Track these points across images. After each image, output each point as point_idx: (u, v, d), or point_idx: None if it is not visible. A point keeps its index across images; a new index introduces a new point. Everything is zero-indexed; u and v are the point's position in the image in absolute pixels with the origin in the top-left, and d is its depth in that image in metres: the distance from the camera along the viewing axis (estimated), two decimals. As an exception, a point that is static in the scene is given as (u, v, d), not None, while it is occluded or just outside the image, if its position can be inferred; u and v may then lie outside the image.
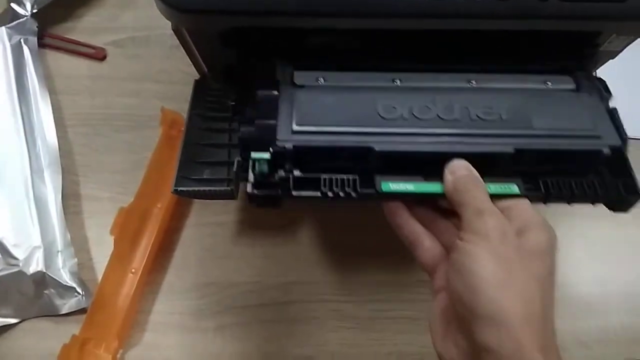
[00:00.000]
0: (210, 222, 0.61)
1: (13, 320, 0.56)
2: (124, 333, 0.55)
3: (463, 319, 0.31)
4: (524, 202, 0.35)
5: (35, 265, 0.55)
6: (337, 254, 0.60)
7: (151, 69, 0.67)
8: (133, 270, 0.57)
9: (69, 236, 0.58)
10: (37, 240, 0.56)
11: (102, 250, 0.58)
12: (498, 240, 0.31)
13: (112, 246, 0.58)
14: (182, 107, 0.63)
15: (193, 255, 0.60)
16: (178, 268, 0.59)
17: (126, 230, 0.58)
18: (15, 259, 0.55)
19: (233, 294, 0.58)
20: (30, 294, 0.55)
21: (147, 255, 0.57)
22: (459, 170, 0.35)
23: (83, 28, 0.70)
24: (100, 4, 0.72)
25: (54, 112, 0.63)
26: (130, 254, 0.57)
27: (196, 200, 0.62)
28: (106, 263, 0.57)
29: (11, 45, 0.64)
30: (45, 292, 0.55)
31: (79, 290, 0.56)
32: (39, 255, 0.55)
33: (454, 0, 0.38)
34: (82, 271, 0.57)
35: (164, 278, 0.59)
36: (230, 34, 0.43)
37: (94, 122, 0.65)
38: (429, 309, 0.56)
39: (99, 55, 0.67)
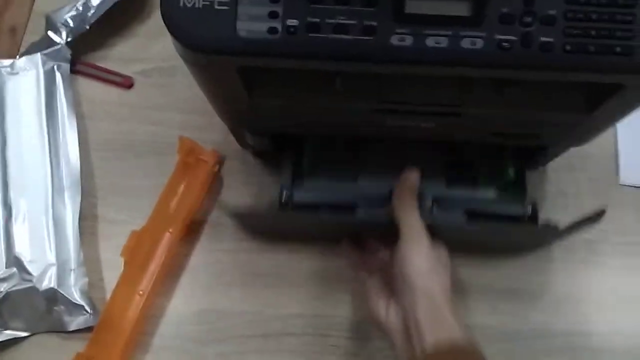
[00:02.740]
0: (219, 249, 0.62)
1: (23, 334, 0.58)
2: (126, 354, 0.57)
3: (402, 293, 0.46)
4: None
5: (48, 282, 0.57)
6: (341, 288, 0.60)
7: (175, 98, 0.70)
8: (141, 292, 0.58)
9: (82, 256, 0.60)
10: (52, 258, 0.59)
11: (113, 271, 0.60)
12: (426, 247, 0.47)
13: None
14: (201, 136, 0.66)
15: (200, 281, 0.61)
16: (184, 293, 0.61)
17: (137, 253, 0.59)
18: (30, 274, 0.57)
19: (236, 322, 0.59)
20: (41, 310, 0.57)
21: (155, 278, 0.59)
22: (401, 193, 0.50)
23: (114, 57, 0.73)
24: (131, 34, 0.75)
25: (79, 136, 0.66)
26: (139, 276, 0.59)
27: (206, 227, 0.63)
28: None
29: (44, 71, 0.67)
30: (56, 308, 0.57)
31: (87, 308, 0.57)
32: (53, 272, 0.58)
33: (462, 50, 0.38)
34: (92, 290, 0.59)
35: (170, 302, 0.60)
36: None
37: (117, 147, 0.68)
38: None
39: (126, 84, 0.70)
